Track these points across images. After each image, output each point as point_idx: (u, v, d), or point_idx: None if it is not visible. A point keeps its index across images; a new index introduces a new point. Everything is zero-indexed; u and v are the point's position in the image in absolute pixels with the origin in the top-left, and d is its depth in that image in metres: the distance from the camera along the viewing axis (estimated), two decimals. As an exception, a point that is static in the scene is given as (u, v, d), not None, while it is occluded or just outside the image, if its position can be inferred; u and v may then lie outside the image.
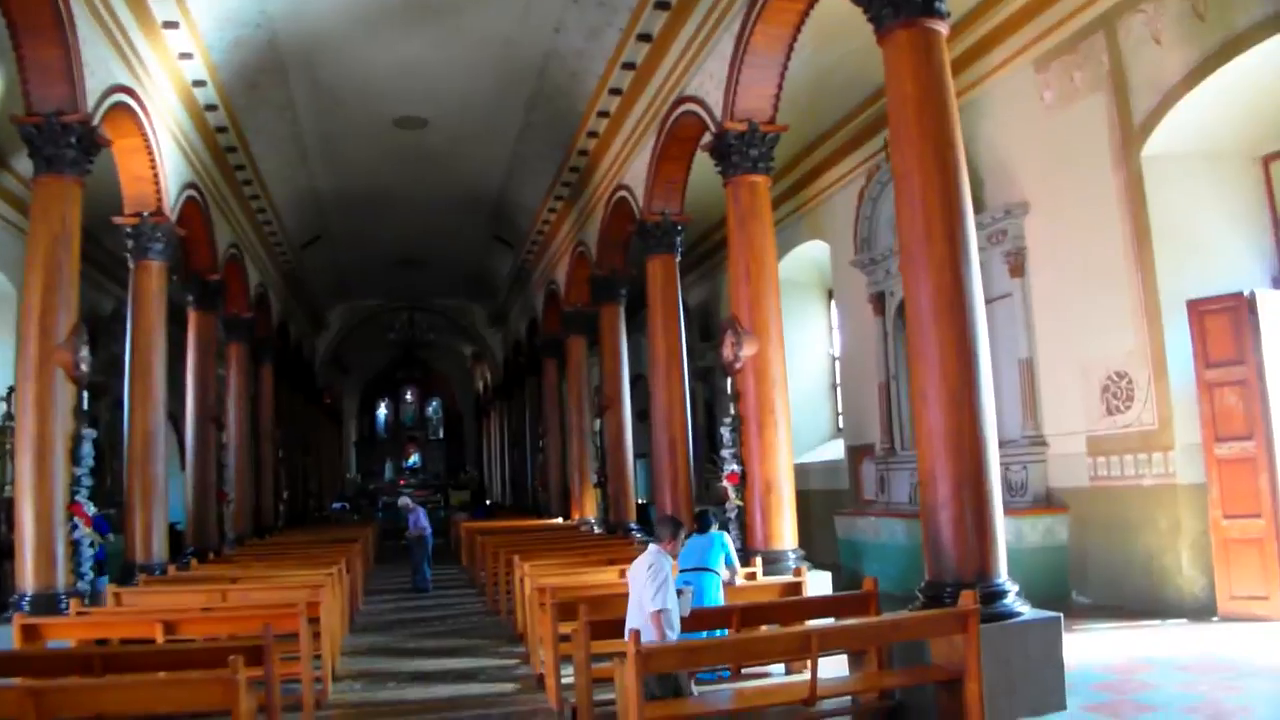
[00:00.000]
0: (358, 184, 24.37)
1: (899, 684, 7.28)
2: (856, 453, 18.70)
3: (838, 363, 21.14)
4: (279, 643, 8.69)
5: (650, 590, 6.65)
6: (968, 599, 6.89)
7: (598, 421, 21.16)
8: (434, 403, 54.71)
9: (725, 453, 12.51)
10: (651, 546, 7.08)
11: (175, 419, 19.69)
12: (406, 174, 23.78)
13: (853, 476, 18.76)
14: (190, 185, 16.82)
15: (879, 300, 16.74)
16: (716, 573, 8.90)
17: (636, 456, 21.19)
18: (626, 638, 5.81)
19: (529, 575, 11.01)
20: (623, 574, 11.04)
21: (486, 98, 19.55)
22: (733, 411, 12.49)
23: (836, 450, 20.13)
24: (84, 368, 11.17)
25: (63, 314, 11.20)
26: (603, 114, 18.10)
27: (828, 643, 6.59)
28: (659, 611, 6.56)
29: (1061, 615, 7.98)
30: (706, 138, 13.55)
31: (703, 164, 15.91)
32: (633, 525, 19.37)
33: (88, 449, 11.15)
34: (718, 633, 7.93)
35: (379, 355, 46.90)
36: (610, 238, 19.66)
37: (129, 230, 14.86)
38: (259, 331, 24.95)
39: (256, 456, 25.28)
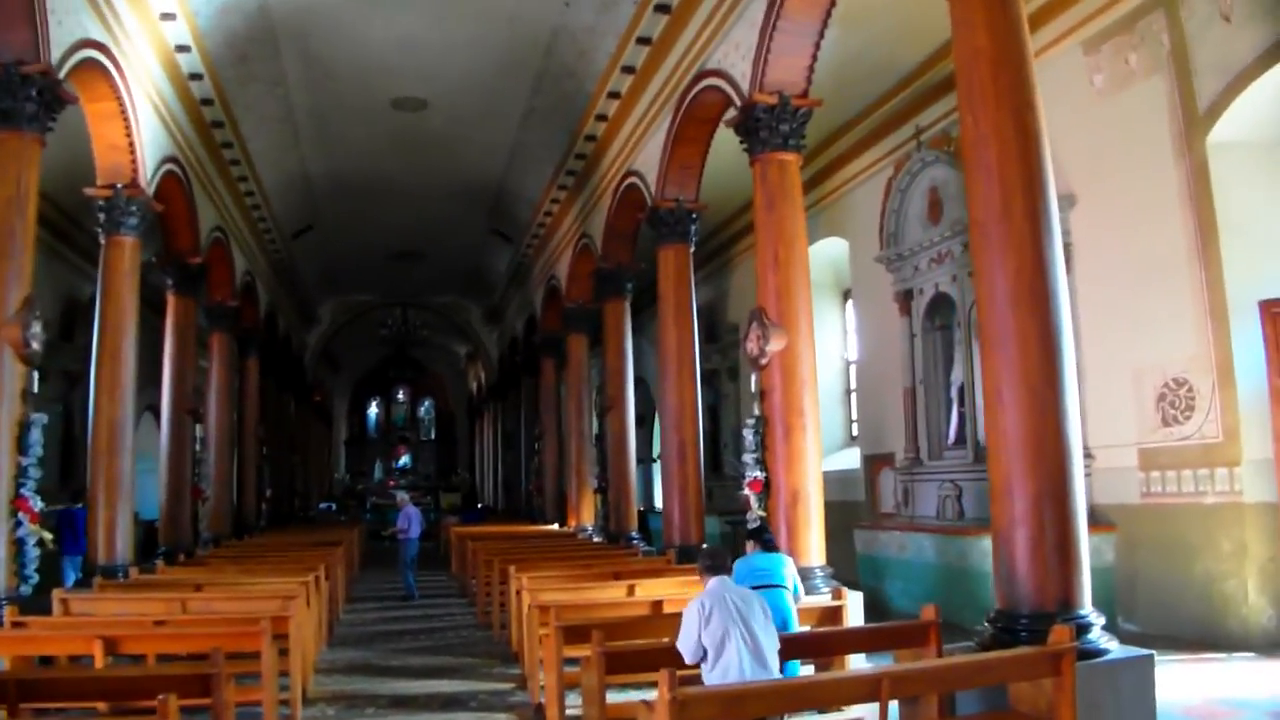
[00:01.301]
0: (352, 169, 23.32)
1: (973, 735, 6.14)
2: (873, 462, 17.56)
3: (853, 367, 19.99)
4: (242, 662, 7.60)
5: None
6: (1061, 636, 5.74)
7: (598, 424, 20.01)
8: (426, 403, 53.82)
9: (748, 457, 11.34)
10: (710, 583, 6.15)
11: (157, 411, 18.58)
12: (403, 160, 22.73)
13: (869, 487, 17.62)
14: (171, 159, 15.68)
15: (906, 299, 15.58)
16: (786, 587, 7.68)
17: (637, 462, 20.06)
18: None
19: (527, 589, 9.83)
20: (631, 590, 9.97)
21: (489, 78, 18.49)
22: (756, 412, 11.33)
23: (851, 459, 18.98)
24: (35, 345, 9.99)
25: (13, 286, 10.01)
26: (613, 94, 17.02)
27: (903, 689, 5.43)
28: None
29: (1153, 654, 6.84)
30: (730, 113, 12.47)
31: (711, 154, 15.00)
32: (634, 534, 18.22)
33: (36, 436, 9.97)
34: (791, 666, 6.89)
35: (371, 353, 45.97)
36: (617, 228, 18.54)
37: (101, 203, 13.75)
38: (245, 322, 23.79)
39: (239, 453, 24.13)
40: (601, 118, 17.95)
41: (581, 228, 21.42)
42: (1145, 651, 6.80)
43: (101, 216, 13.74)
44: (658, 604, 8.75)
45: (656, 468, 28.18)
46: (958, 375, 14.48)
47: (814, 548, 10.81)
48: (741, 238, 22.13)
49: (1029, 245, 7.10)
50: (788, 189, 11.47)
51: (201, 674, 5.64)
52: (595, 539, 19.56)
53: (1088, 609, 6.80)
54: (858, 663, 8.02)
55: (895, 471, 16.03)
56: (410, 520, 19.11)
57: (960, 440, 14.37)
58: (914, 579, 13.87)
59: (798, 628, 7.49)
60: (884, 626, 7.39)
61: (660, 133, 15.47)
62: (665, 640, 7.51)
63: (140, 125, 13.79)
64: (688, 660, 5.88)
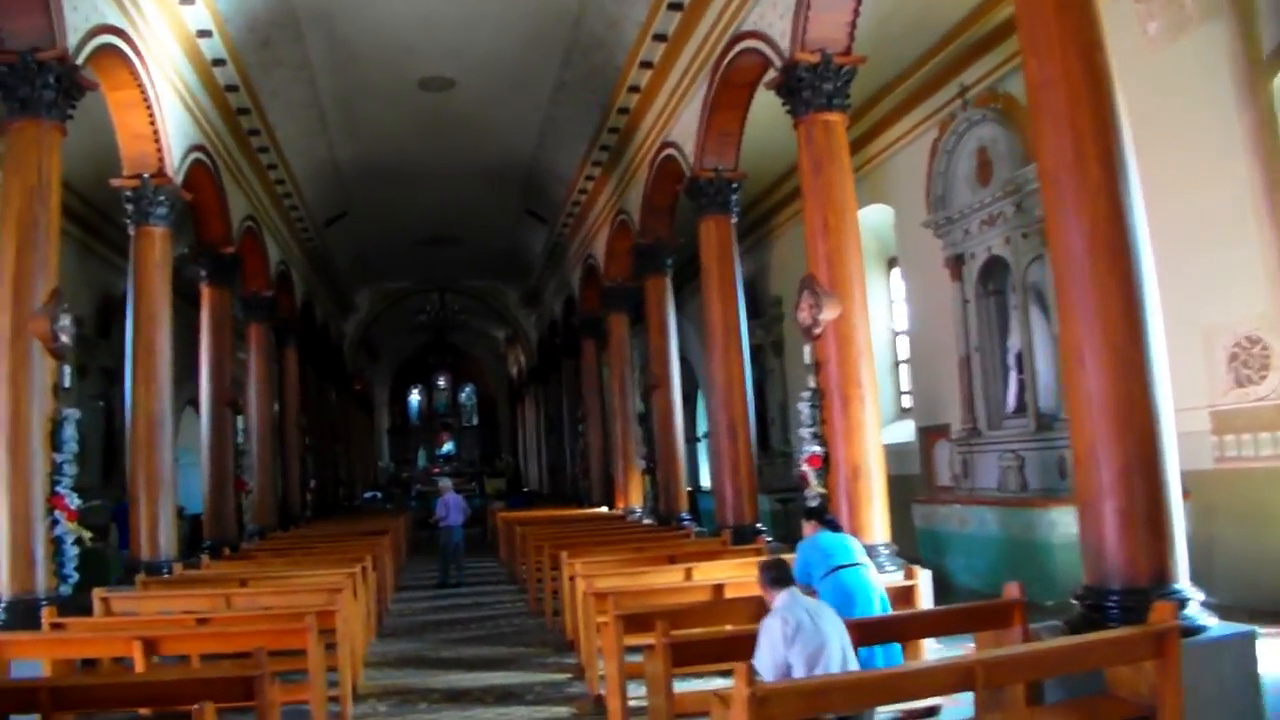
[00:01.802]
0: (381, 154, 23.01)
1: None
2: (928, 434, 17.05)
3: (901, 338, 19.43)
4: (289, 659, 7.29)
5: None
6: (1163, 613, 5.30)
7: (642, 403, 19.60)
8: (467, 389, 53.66)
9: (804, 431, 10.90)
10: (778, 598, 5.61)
11: (198, 405, 18.41)
12: (432, 142, 22.39)
13: (924, 460, 17.11)
14: (198, 148, 15.40)
15: (957, 264, 15.03)
16: (864, 564, 7.24)
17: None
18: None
19: (581, 575, 9.46)
20: (689, 575, 9.58)
21: (516, 53, 18.11)
22: (811, 384, 10.88)
23: (904, 432, 18.45)
24: (64, 339, 9.72)
25: (39, 277, 9.73)
26: (645, 64, 16.55)
27: (998, 676, 4.99)
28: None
29: (1256, 630, 6.36)
30: (770, 75, 11.98)
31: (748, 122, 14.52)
32: (684, 515, 17.83)
33: (70, 432, 9.69)
34: (881, 651, 6.51)
35: (409, 340, 45.84)
36: (655, 202, 18.09)
37: (128, 194, 13.50)
38: (281, 312, 23.58)
39: (282, 444, 23.96)
40: (634, 89, 17.48)
41: (618, 204, 20.99)
42: (1246, 628, 6.32)
43: (129, 207, 13.49)
44: (718, 588, 8.37)
45: (701, 447, 27.81)
46: (1015, 341, 13.95)
47: (877, 524, 10.37)
48: (782, 208, 21.62)
49: (1105, 194, 6.60)
50: (834, 151, 10.99)
51: (244, 676, 5.30)
52: (645, 521, 19.18)
53: (1184, 583, 6.33)
54: (932, 647, 7.60)
55: (952, 443, 15.53)
56: (448, 508, 18.76)
57: (1020, 409, 13.86)
58: (977, 554, 13.39)
59: (890, 607, 7.06)
60: (965, 608, 6.93)
61: (696, 100, 15.00)
62: (728, 628, 7.17)
63: (164, 113, 13.50)
64: (769, 680, 5.36)
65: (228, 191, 17.37)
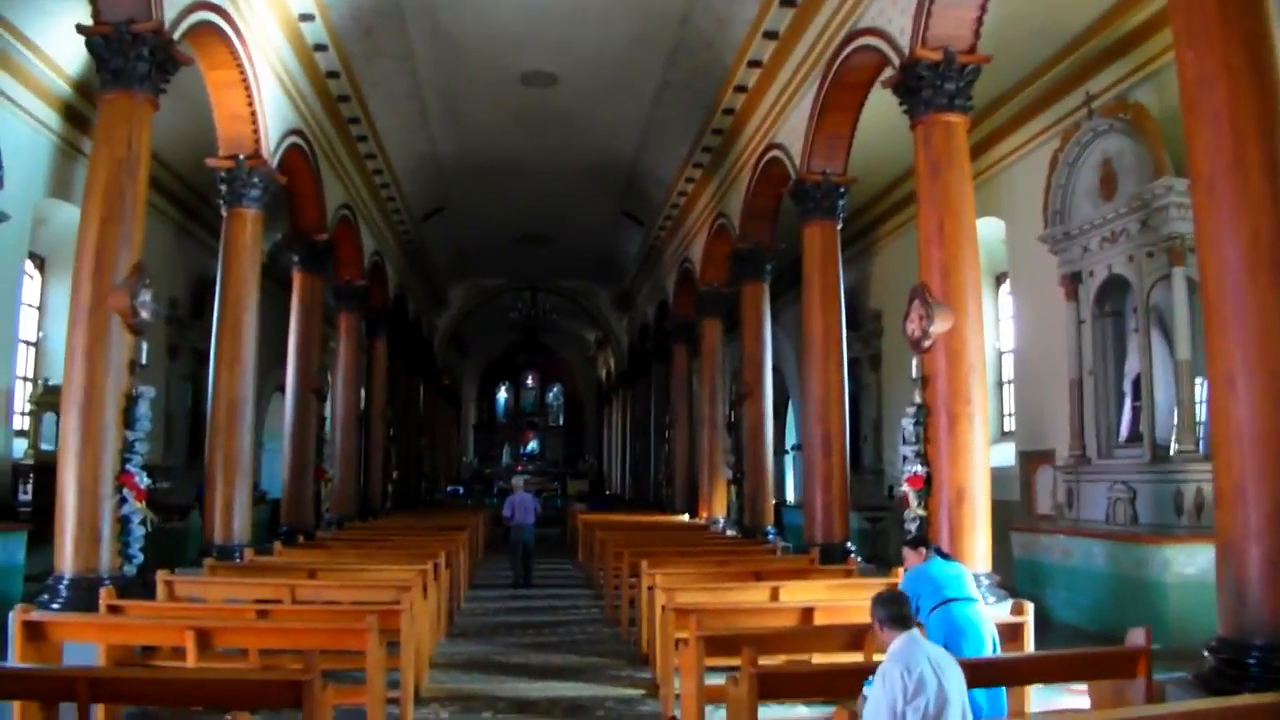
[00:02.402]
0: (480, 149, 22.83)
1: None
2: (1030, 459, 16.18)
3: (1007, 357, 18.58)
4: (350, 658, 6.91)
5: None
6: (1327, 679, 4.60)
7: (733, 412, 19.03)
8: (555, 389, 53.61)
9: (907, 450, 10.26)
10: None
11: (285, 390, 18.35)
12: (532, 139, 22.15)
13: (1025, 487, 16.25)
14: (295, 132, 15.27)
15: (1073, 282, 14.20)
16: (976, 600, 6.60)
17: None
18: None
19: (660, 588, 8.94)
20: (775, 594, 9.01)
21: (621, 50, 17.72)
22: (917, 399, 10.23)
23: (1005, 455, 17.58)
24: (144, 315, 9.50)
25: (123, 251, 9.53)
26: (754, 63, 16.02)
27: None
28: None
29: None
30: (888, 73, 11.37)
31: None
32: (769, 529, 17.24)
33: (144, 410, 9.46)
34: (985, 696, 5.89)
35: (499, 338, 45.94)
36: (756, 206, 17.55)
37: (223, 174, 13.42)
38: (373, 303, 23.52)
39: (366, 434, 23.89)
40: (741, 89, 16.96)
41: (717, 207, 20.48)
42: None
43: (223, 188, 13.39)
44: (807, 612, 7.79)
45: (788, 460, 27.14)
46: (1133, 365, 13.10)
47: (980, 552, 9.70)
48: (886, 219, 20.91)
49: (1268, 203, 5.90)
50: (954, 154, 10.36)
51: (291, 680, 4.89)
52: (729, 533, 18.60)
53: (1342, 643, 5.61)
54: (1039, 695, 6.93)
55: (1057, 470, 14.70)
56: (513, 507, 17.85)
57: (1134, 438, 13.01)
58: (1080, 589, 12.57)
59: (1000, 649, 6.40)
60: (1083, 654, 6.23)
61: (806, 101, 14.43)
62: (813, 659, 6.61)
63: (262, 95, 13.37)
64: None
65: (324, 178, 17.25)
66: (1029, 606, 7.24)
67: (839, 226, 14.40)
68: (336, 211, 18.51)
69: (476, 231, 30.14)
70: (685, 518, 22.84)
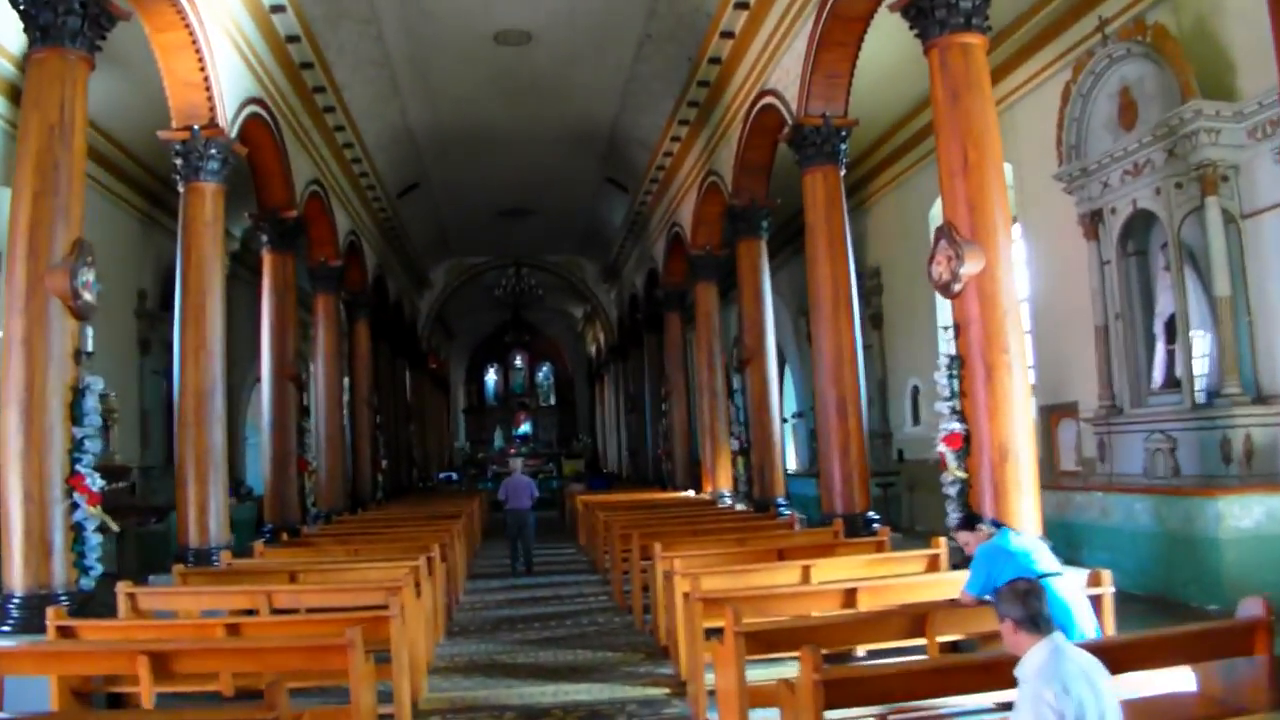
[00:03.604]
0: (456, 119, 21.84)
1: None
2: (1050, 413, 15.31)
3: (1021, 306, 17.65)
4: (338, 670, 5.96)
5: None
6: None
7: (736, 379, 18.10)
8: (544, 368, 52.81)
9: (942, 406, 9.32)
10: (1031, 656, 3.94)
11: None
12: (509, 105, 21.16)
13: (1046, 442, 15.36)
14: (255, 101, 14.24)
15: (1093, 221, 13.28)
16: (1061, 571, 5.70)
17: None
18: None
19: (680, 573, 8.02)
20: (807, 575, 8.11)
21: (599, 3, 16.80)
22: (950, 350, 9.30)
23: (1023, 410, 16.72)
24: (87, 297, 8.47)
25: (60, 227, 8.50)
26: (740, 5, 15.03)
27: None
28: None
29: None
30: (895, -5, 10.39)
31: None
32: (781, 501, 16.33)
33: (92, 404, 8.44)
34: None
35: (486, 318, 45.15)
36: (750, 159, 16.60)
37: (177, 147, 12.35)
38: (351, 285, 22.53)
39: (352, 423, 22.93)
40: (727, 34, 15.94)
41: (707, 165, 19.50)
42: None
43: (179, 162, 12.37)
44: (849, 594, 6.87)
45: (787, 429, 26.23)
46: (1165, 305, 12.22)
47: (1028, 516, 8.81)
48: (880, 172, 20.05)
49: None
50: (974, 77, 9.39)
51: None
52: (738, 507, 17.69)
53: None
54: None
55: (1085, 423, 13.84)
56: (509, 490, 17.14)
57: (1169, 383, 12.15)
58: (1123, 549, 11.67)
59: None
60: (1192, 631, 5.27)
61: (800, 40, 13.46)
62: (866, 652, 5.69)
63: (216, 59, 12.34)
64: None
65: (290, 152, 16.22)
66: (1107, 575, 6.34)
67: (843, 172, 13.47)
68: (306, 187, 17.48)
69: (456, 207, 29.13)
70: (689, 493, 21.94)
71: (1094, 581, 6.34)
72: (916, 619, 5.77)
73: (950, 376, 9.16)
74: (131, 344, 18.41)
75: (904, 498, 19.25)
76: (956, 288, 9.09)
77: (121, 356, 17.53)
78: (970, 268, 8.92)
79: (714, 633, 6.83)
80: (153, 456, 18.50)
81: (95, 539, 8.36)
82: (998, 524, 6.07)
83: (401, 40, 17.83)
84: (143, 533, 14.96)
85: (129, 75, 14.18)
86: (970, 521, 6.11)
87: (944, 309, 18.60)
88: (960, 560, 8.79)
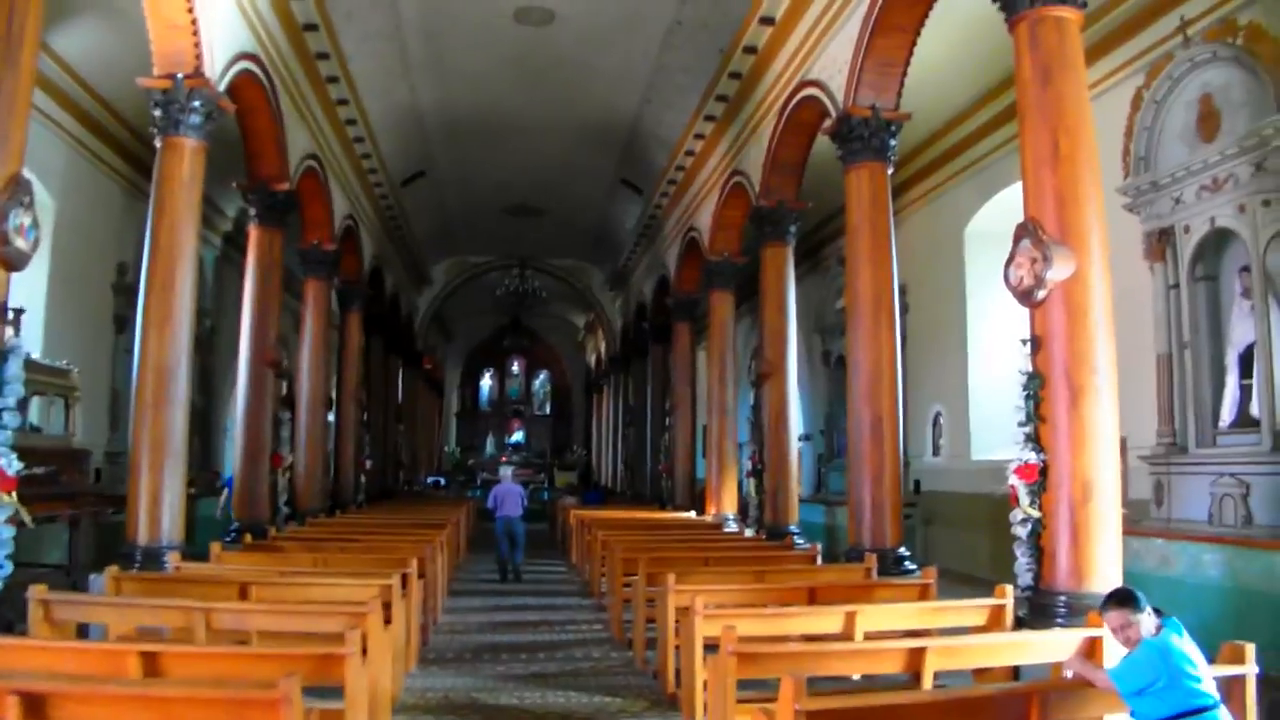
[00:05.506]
0: (468, 101, 20.69)
1: None
2: (1094, 450, 14.03)
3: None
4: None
5: None
6: None
7: (753, 394, 16.82)
8: (541, 375, 51.81)
9: (1017, 431, 8.02)
10: None
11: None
12: (525, 90, 20.04)
13: (1091, 481, 14.08)
14: (249, 56, 12.98)
15: (1162, 241, 12.00)
16: (1219, 703, 4.45)
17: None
18: None
19: (703, 616, 6.68)
20: (850, 625, 6.79)
21: (628, -18, 15.57)
22: (1028, 368, 8.00)
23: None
24: (19, 243, 7.16)
25: (-10, 157, 7.19)
26: (785, -11, 13.79)
27: None
28: None
29: None
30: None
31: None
32: (795, 528, 15.05)
33: (14, 371, 7.10)
34: None
35: (485, 321, 44.20)
36: (782, 157, 15.37)
37: (157, 96, 11.09)
38: (345, 272, 21.27)
39: (336, 418, 21.61)
40: (767, 20, 14.71)
41: (731, 165, 18.27)
42: None
43: (157, 113, 11.13)
44: (913, 655, 5.55)
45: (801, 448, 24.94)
46: (1243, 335, 10.94)
47: (1109, 567, 7.48)
48: (911, 186, 18.76)
49: None
50: (1068, 56, 8.14)
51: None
52: (747, 533, 16.35)
53: None
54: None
55: (1141, 461, 12.55)
56: (498, 499, 16.93)
57: (1243, 421, 10.87)
58: (1188, 605, 10.31)
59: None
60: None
61: (853, 23, 12.23)
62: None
63: (206, 2, 11.06)
64: None
65: (286, 118, 14.96)
66: (1249, 651, 5.01)
67: (890, 171, 12.24)
68: (301, 161, 16.20)
69: (462, 201, 27.98)
70: (690, 514, 20.58)
71: (1235, 656, 5.00)
72: (1024, 700, 4.42)
73: (1028, 398, 7.85)
74: (106, 319, 17.06)
75: (919, 530, 18.00)
76: (1040, 295, 7.80)
77: (95, 332, 16.20)
78: (1058, 272, 7.64)
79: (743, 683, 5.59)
80: (120, 442, 17.17)
81: (7, 532, 7.02)
82: (1158, 610, 4.78)
83: (415, 10, 16.68)
84: (103, 525, 13.67)
85: (120, 27, 12.97)
86: (1135, 600, 4.76)
87: (976, 333, 17.49)
88: (1028, 616, 7.51)
